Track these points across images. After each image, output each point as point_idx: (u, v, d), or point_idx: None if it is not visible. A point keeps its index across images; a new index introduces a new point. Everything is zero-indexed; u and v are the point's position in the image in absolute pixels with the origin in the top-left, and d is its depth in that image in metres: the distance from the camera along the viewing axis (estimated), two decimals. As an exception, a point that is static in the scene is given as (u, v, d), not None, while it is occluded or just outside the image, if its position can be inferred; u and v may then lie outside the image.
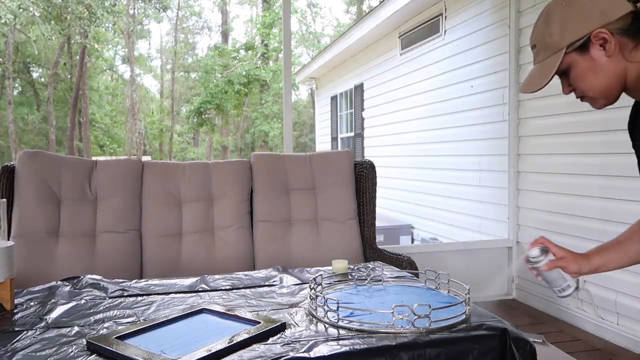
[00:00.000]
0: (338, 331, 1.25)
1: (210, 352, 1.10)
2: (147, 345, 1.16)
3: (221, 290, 1.72)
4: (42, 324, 1.37)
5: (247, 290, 1.70)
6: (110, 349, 1.13)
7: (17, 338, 1.25)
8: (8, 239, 2.22)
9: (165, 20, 21.11)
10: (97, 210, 2.41)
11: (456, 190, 4.95)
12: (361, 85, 7.67)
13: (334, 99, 9.33)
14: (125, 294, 1.66)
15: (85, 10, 15.50)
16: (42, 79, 18.81)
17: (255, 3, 21.28)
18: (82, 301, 1.59)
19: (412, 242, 5.69)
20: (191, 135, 21.22)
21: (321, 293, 1.50)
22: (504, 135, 4.00)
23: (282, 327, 1.29)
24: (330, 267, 1.94)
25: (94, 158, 2.87)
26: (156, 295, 1.65)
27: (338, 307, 1.31)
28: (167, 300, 1.59)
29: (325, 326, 1.29)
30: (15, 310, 1.48)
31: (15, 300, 1.55)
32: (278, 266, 2.04)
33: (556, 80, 1.14)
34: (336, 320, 1.30)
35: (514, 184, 3.90)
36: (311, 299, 1.43)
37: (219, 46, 19.36)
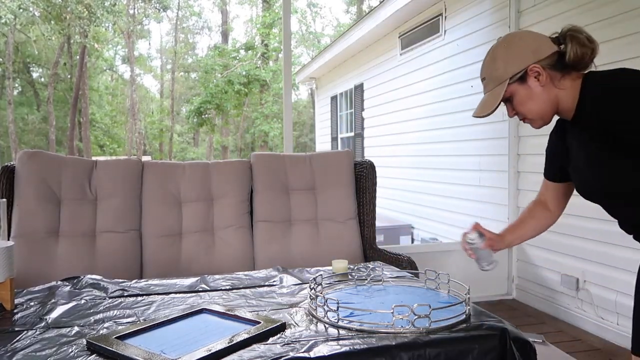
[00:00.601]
0: (338, 331, 1.25)
1: (210, 352, 1.11)
2: (147, 345, 1.16)
3: (221, 290, 1.72)
4: (42, 324, 1.37)
5: (247, 290, 1.71)
6: (110, 349, 1.13)
7: (17, 338, 1.25)
8: (8, 239, 2.22)
9: (165, 20, 21.16)
10: (97, 210, 2.41)
11: (456, 190, 4.95)
12: (361, 85, 7.67)
13: (334, 99, 9.33)
14: (125, 294, 1.66)
15: (85, 10, 15.50)
16: (42, 79, 18.83)
17: (255, 3, 21.31)
18: (82, 301, 1.59)
19: (412, 242, 5.69)
20: (191, 135, 21.24)
21: (321, 293, 1.51)
22: (503, 135, 4.00)
23: (282, 327, 1.29)
24: (330, 267, 1.95)
25: (94, 158, 2.87)
26: (156, 295, 1.65)
27: (338, 307, 1.32)
28: (167, 300, 1.59)
29: (325, 326, 1.30)
30: (15, 310, 1.49)
31: (15, 300, 1.55)
32: (278, 266, 2.05)
33: None
34: (336, 320, 1.30)
35: (514, 184, 3.90)
36: (311, 299, 1.43)
37: (219, 46, 19.37)
